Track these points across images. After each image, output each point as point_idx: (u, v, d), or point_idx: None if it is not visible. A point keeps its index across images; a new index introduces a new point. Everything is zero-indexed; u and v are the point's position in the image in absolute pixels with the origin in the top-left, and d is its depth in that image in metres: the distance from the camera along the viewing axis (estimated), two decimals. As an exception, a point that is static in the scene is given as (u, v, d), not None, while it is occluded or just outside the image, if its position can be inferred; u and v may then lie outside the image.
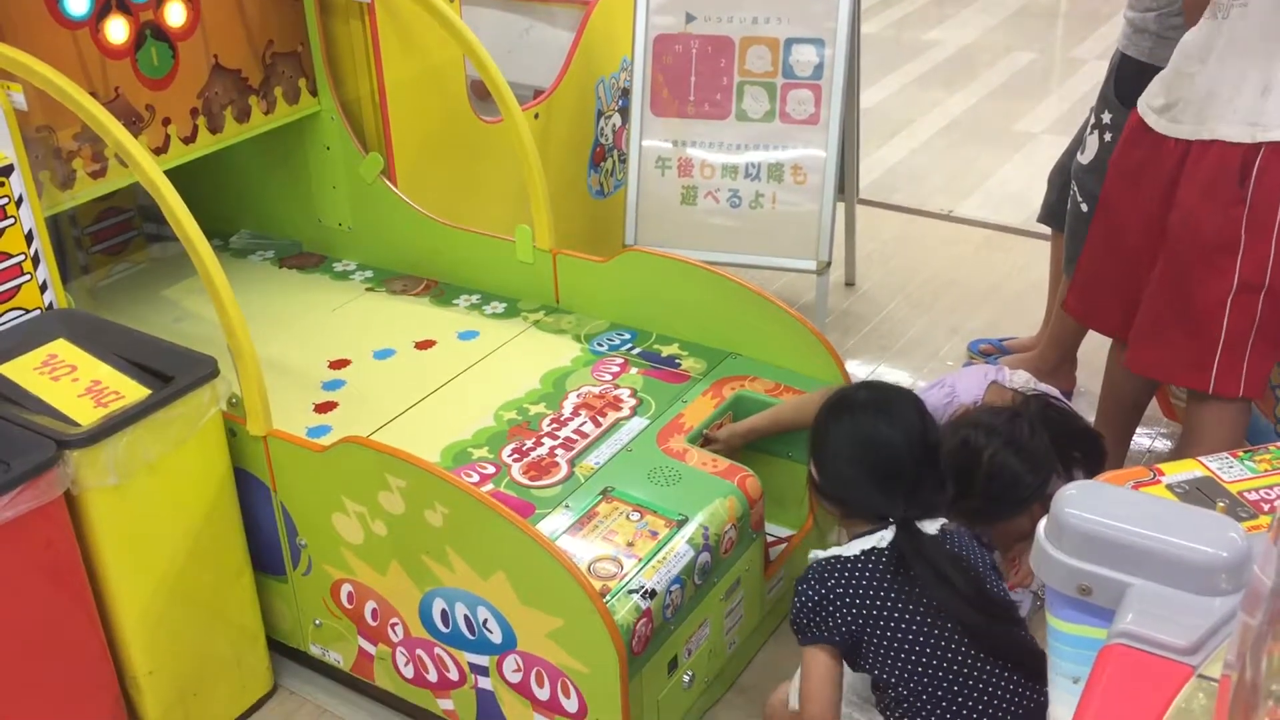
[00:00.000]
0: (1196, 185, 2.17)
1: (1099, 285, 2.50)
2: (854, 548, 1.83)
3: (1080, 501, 1.09)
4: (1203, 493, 1.24)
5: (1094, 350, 3.15)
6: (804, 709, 1.79)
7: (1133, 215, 2.33)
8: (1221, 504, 1.22)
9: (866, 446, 1.86)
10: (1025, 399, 2.14)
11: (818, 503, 1.99)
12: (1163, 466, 1.28)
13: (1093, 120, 2.75)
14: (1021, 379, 2.31)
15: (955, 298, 3.73)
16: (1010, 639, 1.80)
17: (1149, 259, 2.31)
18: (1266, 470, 1.26)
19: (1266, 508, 1.21)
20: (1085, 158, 2.77)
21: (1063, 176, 3.02)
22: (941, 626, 1.77)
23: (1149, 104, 2.29)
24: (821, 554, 1.87)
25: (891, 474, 1.83)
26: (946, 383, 2.29)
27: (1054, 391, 2.34)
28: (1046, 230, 3.25)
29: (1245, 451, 1.31)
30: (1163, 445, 2.98)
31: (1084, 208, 2.77)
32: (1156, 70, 2.30)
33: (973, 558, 1.86)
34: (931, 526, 1.84)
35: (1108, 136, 2.67)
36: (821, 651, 1.79)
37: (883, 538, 1.82)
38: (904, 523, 1.83)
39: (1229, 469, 1.27)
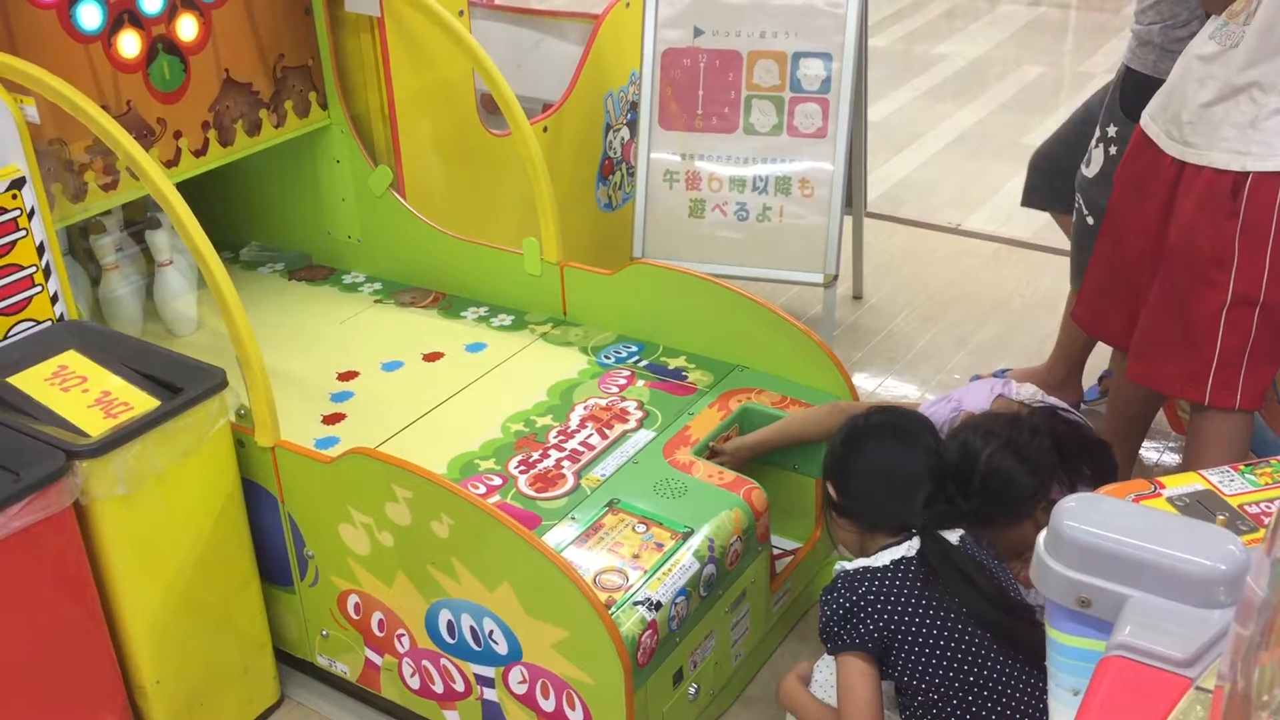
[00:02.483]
0: (1192, 200, 2.18)
1: (1105, 296, 2.51)
2: (883, 558, 1.87)
3: (1079, 514, 1.10)
4: (1203, 506, 1.24)
5: (1103, 364, 3.15)
6: (846, 715, 1.81)
7: (1136, 227, 2.34)
8: (1222, 517, 1.22)
9: (887, 466, 1.95)
10: (1032, 409, 2.15)
11: (833, 524, 2.02)
12: (1163, 479, 1.28)
13: (1098, 134, 2.76)
14: (1029, 391, 2.30)
15: (963, 311, 3.73)
16: (1034, 637, 1.82)
17: (1151, 270, 2.31)
18: (1267, 484, 1.26)
19: (1267, 521, 1.21)
20: (1090, 171, 2.77)
21: (1045, 161, 3.07)
22: (969, 631, 1.79)
23: (1150, 117, 2.30)
24: (849, 565, 1.89)
25: (912, 489, 1.92)
26: (953, 397, 2.29)
27: (1062, 404, 2.34)
28: (1054, 244, 3.26)
29: (1246, 465, 1.31)
30: (1171, 459, 2.97)
31: (1090, 221, 2.77)
32: (1161, 83, 2.31)
33: (989, 563, 1.89)
34: (952, 536, 1.88)
35: (1113, 150, 2.68)
36: (855, 658, 1.82)
37: (911, 547, 1.87)
38: (926, 529, 1.87)
39: (1230, 482, 1.27)
